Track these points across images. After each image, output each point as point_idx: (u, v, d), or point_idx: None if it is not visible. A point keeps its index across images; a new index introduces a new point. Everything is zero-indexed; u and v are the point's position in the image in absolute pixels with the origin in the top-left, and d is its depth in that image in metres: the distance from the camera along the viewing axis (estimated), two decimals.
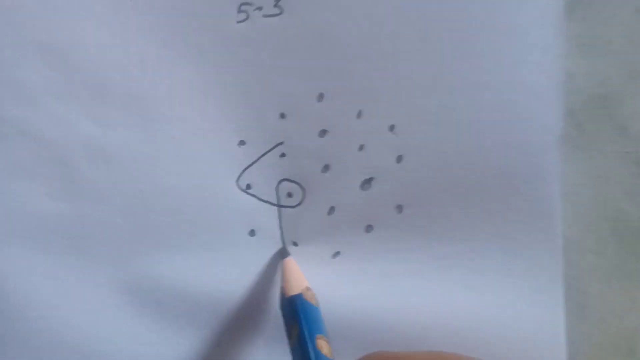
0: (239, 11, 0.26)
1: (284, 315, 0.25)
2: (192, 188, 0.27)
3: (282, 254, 0.27)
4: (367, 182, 0.27)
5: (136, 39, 0.26)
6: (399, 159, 0.27)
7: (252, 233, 0.27)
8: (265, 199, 0.27)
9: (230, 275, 0.27)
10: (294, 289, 0.25)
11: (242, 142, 0.27)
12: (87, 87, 0.26)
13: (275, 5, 0.26)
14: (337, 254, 0.28)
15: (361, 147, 0.27)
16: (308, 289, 0.25)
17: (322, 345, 0.23)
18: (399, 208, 0.28)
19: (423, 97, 0.27)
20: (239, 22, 0.26)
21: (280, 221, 0.27)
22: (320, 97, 0.27)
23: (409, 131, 0.27)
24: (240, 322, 0.28)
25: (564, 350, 0.28)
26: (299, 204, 0.27)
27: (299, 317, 0.24)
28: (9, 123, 0.26)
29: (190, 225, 0.27)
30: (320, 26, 0.26)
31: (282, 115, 0.27)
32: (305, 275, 0.27)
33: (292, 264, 0.26)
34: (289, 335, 0.25)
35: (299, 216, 0.27)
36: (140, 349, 0.27)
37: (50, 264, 0.26)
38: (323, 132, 0.27)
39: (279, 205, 0.27)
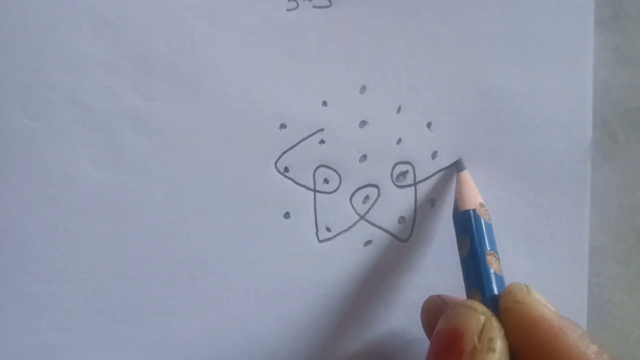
0: (290, 0, 0.27)
1: (456, 227, 0.26)
2: (231, 166, 0.27)
3: (459, 166, 0.27)
4: (402, 175, 0.28)
5: (187, 17, 0.27)
6: (434, 154, 0.28)
7: (286, 215, 0.28)
8: (302, 183, 0.28)
9: (263, 255, 0.27)
10: (469, 204, 0.25)
11: (283, 126, 0.27)
12: (135, 59, 0.27)
13: None
14: (368, 242, 0.28)
15: (399, 141, 0.28)
16: (482, 205, 0.26)
17: (492, 262, 0.24)
18: (432, 202, 0.28)
19: (460, 99, 0.28)
20: (288, 10, 0.27)
21: (315, 206, 0.28)
22: (363, 89, 0.28)
23: (445, 129, 0.28)
24: (265, 303, 0.28)
25: None
26: (334, 191, 0.28)
27: (471, 231, 0.24)
28: (56, 89, 0.26)
29: (225, 202, 0.27)
30: (367, 21, 0.27)
31: (324, 103, 0.28)
32: (337, 261, 0.27)
33: (468, 178, 0.27)
34: (460, 247, 0.25)
35: (334, 202, 0.28)
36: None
37: (86, 230, 0.26)
38: (363, 123, 0.28)
39: (315, 191, 0.28)
